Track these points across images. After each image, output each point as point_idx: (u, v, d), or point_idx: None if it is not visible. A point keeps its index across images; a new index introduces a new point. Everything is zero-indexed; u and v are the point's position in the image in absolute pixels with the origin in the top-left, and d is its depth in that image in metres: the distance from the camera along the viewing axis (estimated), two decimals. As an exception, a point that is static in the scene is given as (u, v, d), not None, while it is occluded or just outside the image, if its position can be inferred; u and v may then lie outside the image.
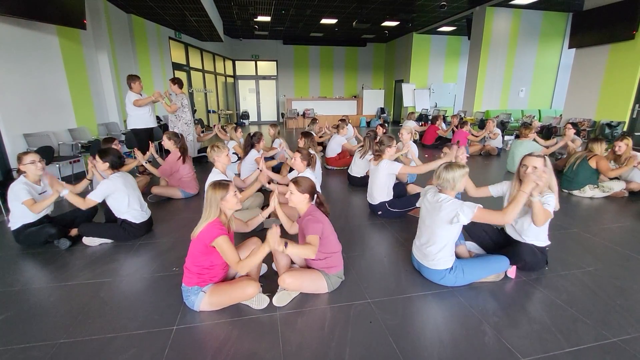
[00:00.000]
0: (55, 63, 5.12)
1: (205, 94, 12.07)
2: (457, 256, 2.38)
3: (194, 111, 10.86)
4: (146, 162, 4.18)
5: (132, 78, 5.17)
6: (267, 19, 10.60)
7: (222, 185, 1.98)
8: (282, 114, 14.50)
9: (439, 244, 2.18)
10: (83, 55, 5.83)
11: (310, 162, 3.37)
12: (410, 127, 4.87)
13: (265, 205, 3.75)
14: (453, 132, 7.50)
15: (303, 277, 2.14)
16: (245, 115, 14.89)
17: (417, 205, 2.50)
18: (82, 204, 2.87)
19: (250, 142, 4.47)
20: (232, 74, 14.76)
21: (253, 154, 4.50)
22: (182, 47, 10.48)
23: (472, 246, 2.65)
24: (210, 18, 8.15)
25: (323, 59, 15.17)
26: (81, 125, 5.59)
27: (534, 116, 9.41)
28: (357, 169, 4.79)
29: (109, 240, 3.06)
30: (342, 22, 11.08)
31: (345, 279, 2.33)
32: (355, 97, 15.07)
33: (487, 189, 2.63)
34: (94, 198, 2.89)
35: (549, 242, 2.43)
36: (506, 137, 7.93)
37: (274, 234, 1.84)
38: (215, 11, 9.15)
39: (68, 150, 5.14)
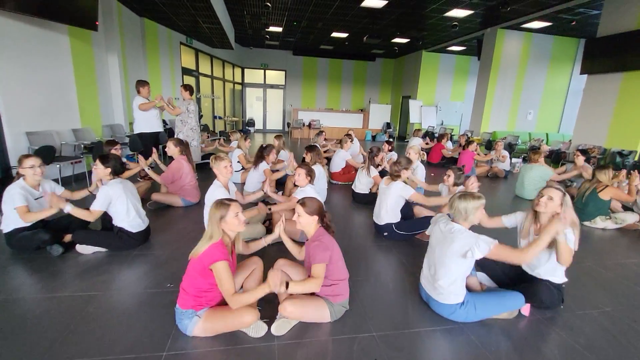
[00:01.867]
0: (64, 62, 5.08)
1: (213, 100, 12.08)
2: (468, 289, 2.24)
3: (200, 116, 10.85)
4: (148, 168, 4.09)
5: (141, 83, 5.13)
6: (279, 29, 10.66)
7: (223, 204, 1.88)
8: (288, 124, 14.48)
9: (449, 277, 2.05)
10: (93, 55, 5.81)
11: (312, 178, 3.29)
12: (417, 148, 4.77)
13: (267, 219, 3.63)
14: (461, 150, 7.41)
15: (305, 305, 2.01)
16: (251, 123, 14.87)
17: (427, 232, 2.38)
18: (89, 216, 2.78)
19: (261, 154, 4.41)
20: (240, 81, 14.82)
21: (263, 166, 4.43)
22: (192, 52, 10.53)
23: (483, 278, 2.52)
24: (222, 25, 8.19)
25: (331, 71, 15.23)
26: (86, 125, 5.53)
27: (542, 140, 9.32)
28: (361, 185, 4.69)
29: (102, 249, 2.94)
30: (353, 36, 11.13)
31: (348, 307, 2.20)
32: (361, 110, 15.07)
33: (500, 220, 2.50)
34: (98, 208, 2.78)
35: (565, 279, 2.29)
36: (513, 160, 7.82)
37: (274, 276, 1.80)
38: (227, 19, 9.21)
39: (70, 150, 5.07)
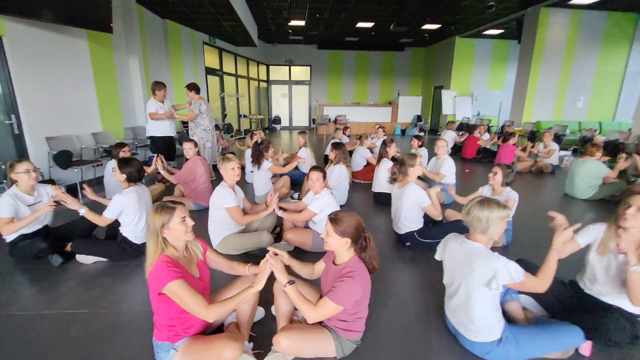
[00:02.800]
0: (83, 67, 5.10)
1: (237, 98, 12.05)
2: (508, 318, 1.81)
3: (224, 115, 10.85)
4: (163, 170, 3.97)
5: (158, 85, 5.02)
6: (302, 23, 10.35)
7: (165, 208, 1.56)
8: (314, 120, 14.19)
9: (477, 310, 1.64)
10: (113, 59, 5.83)
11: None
12: (445, 140, 4.28)
13: (278, 225, 3.34)
14: (500, 143, 6.69)
15: (306, 338, 1.66)
16: (277, 120, 14.76)
17: (437, 257, 1.96)
18: (100, 221, 2.67)
19: (259, 152, 4.11)
20: (265, 78, 14.72)
21: (266, 164, 4.15)
22: (216, 52, 10.51)
23: (528, 303, 2.05)
24: (243, 23, 8.02)
25: (358, 63, 14.70)
26: (106, 129, 5.56)
27: (595, 129, 8.29)
28: (380, 184, 4.28)
29: (103, 259, 2.80)
30: (379, 25, 10.57)
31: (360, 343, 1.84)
32: (390, 103, 14.44)
33: (576, 242, 1.91)
34: (109, 216, 2.66)
35: (642, 310, 1.78)
36: (561, 153, 6.97)
37: (273, 264, 1.56)
38: (249, 16, 9.05)
39: (90, 154, 5.09)
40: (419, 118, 13.65)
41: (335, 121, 13.00)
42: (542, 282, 1.59)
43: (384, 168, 4.17)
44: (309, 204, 2.88)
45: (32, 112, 4.36)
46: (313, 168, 2.92)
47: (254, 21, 9.95)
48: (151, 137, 5.24)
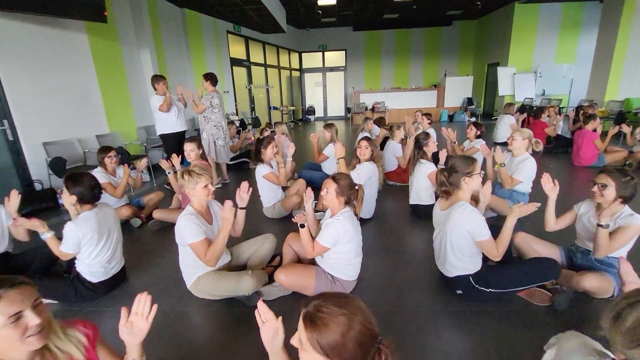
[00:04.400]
0: (83, 63, 4.69)
1: (267, 89, 11.41)
2: None
3: (252, 108, 10.28)
4: (170, 173, 3.37)
5: (156, 79, 4.48)
6: (332, 1, 9.32)
7: None
8: (348, 109, 13.14)
9: None
10: (122, 53, 5.39)
11: (350, 200, 2.05)
12: (528, 133, 3.11)
13: (277, 254, 2.54)
14: (577, 129, 5.25)
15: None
16: (311, 111, 13.96)
17: None
18: (60, 254, 2.11)
19: (257, 149, 3.35)
20: (297, 67, 13.92)
21: (261, 170, 3.36)
22: (242, 41, 9.89)
23: None
24: (265, 5, 7.25)
25: (398, 44, 13.29)
26: (114, 130, 5.15)
27: None
28: (417, 195, 3.30)
29: (53, 301, 2.22)
30: (421, -4, 9.19)
31: None
32: (435, 86, 12.91)
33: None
34: (66, 250, 2.09)
35: None
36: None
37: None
38: (275, 0, 8.26)
39: (95, 159, 4.69)
40: (469, 101, 12.01)
41: (373, 109, 11.85)
42: None
43: (421, 174, 3.19)
44: (320, 232, 2.03)
45: (27, 115, 4.00)
46: (332, 176, 2.08)
47: (280, 5, 9.14)
48: (161, 136, 4.74)
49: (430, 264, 2.39)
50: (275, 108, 11.84)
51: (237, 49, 9.62)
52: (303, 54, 13.83)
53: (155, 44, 6.22)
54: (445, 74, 12.68)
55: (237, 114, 9.34)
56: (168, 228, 3.38)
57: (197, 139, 3.49)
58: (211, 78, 4.54)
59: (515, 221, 1.80)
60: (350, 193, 2.04)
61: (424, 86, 13.29)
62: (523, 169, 3.01)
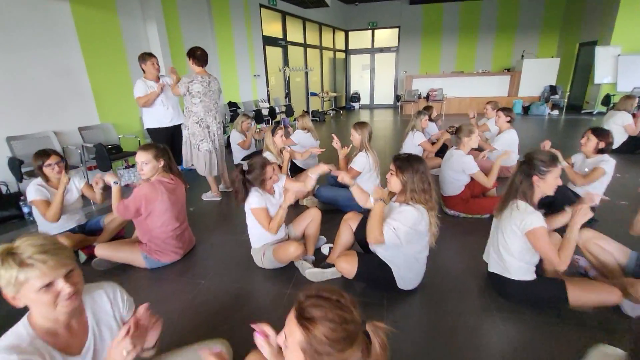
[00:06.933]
0: (65, 39, 3.85)
1: (306, 73, 10.17)
2: None
3: (286, 94, 9.13)
4: (117, 183, 2.36)
5: (142, 57, 3.47)
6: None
7: None
8: (398, 97, 11.42)
9: None
10: (120, 28, 4.49)
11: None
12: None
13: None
14: None
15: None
16: (356, 98, 12.51)
17: None
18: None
19: (244, 183, 2.15)
20: (343, 47, 12.43)
21: (252, 200, 2.16)
22: (278, 16, 8.69)
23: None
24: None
25: (464, 19, 11.15)
26: (106, 121, 4.31)
27: None
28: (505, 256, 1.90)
29: None
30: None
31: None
32: (508, 70, 10.68)
33: None
34: None
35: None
36: None
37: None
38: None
39: (77, 156, 3.89)
40: (552, 90, 9.68)
41: (428, 97, 10.07)
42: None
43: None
44: None
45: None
46: None
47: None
48: (149, 131, 3.79)
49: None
50: (314, 94, 10.59)
51: (271, 27, 8.46)
52: (350, 32, 12.29)
53: (169, 19, 5.27)
54: (522, 55, 10.36)
55: (268, 101, 8.29)
56: (119, 270, 2.38)
57: (153, 146, 2.36)
58: (196, 56, 3.33)
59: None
60: None
61: (493, 70, 11.09)
62: None
